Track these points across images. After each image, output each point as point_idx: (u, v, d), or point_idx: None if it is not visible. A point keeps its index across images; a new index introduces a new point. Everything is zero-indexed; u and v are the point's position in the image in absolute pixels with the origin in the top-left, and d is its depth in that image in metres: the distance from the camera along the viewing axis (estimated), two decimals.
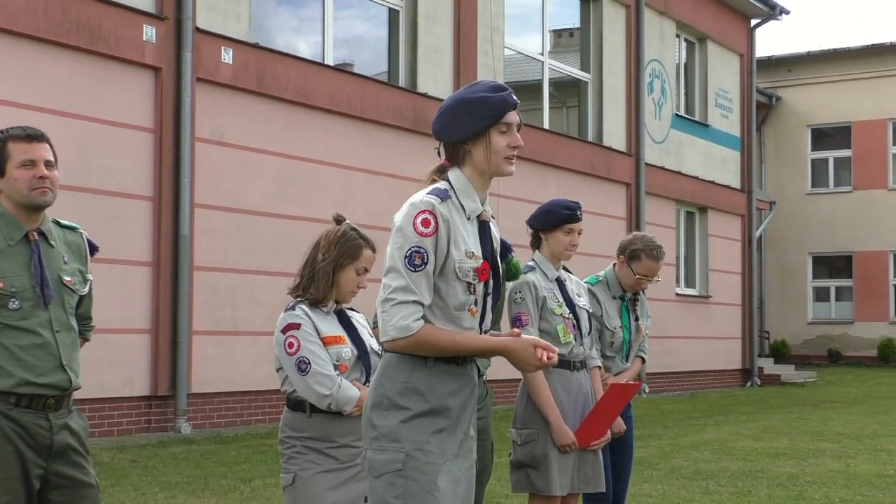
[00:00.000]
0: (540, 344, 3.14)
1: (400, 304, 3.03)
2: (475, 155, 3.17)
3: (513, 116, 3.17)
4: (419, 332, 3.04)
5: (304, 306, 3.98)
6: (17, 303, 3.58)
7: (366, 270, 4.06)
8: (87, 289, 3.83)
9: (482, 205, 3.21)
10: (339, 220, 4.11)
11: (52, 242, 3.73)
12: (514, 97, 3.19)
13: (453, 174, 3.19)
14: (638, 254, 5.26)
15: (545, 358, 3.12)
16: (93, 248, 3.91)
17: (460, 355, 3.14)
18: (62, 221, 3.85)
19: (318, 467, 3.91)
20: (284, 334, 3.93)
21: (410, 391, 3.09)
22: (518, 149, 3.20)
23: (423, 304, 3.06)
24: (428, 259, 3.06)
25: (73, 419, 3.70)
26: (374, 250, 4.07)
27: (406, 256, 3.05)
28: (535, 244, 4.97)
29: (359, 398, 3.86)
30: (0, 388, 3.53)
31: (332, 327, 4.00)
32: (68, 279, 3.73)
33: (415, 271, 3.04)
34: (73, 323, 3.74)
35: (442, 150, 3.23)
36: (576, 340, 4.82)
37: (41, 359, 3.59)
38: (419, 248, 3.05)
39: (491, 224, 3.26)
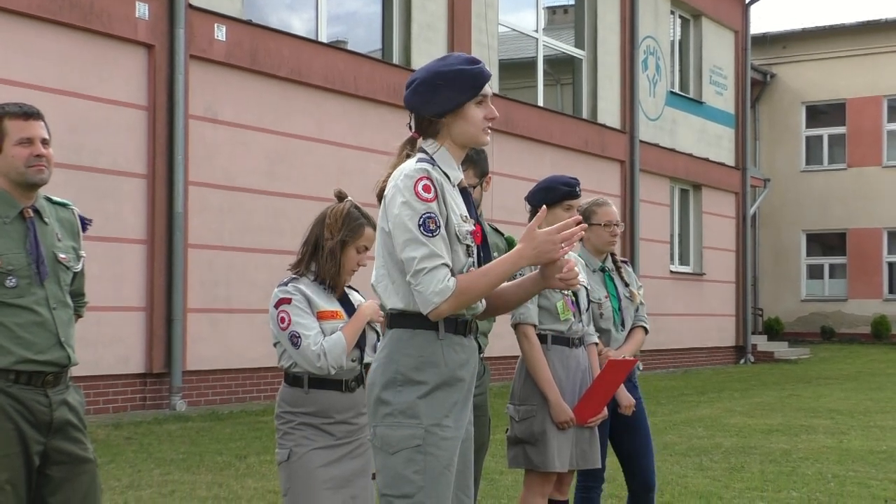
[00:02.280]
0: (552, 230, 3.11)
1: (431, 272, 3.03)
2: (453, 128, 3.19)
3: (487, 88, 3.20)
4: (457, 287, 3.04)
5: (298, 283, 3.98)
6: (13, 280, 3.57)
7: (365, 249, 4.06)
8: (80, 265, 3.83)
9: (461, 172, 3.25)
10: (340, 196, 4.10)
11: (46, 219, 3.72)
12: (487, 69, 3.21)
13: (430, 145, 3.21)
14: (590, 210, 5.24)
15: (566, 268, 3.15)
16: (84, 224, 3.90)
17: (495, 286, 3.13)
18: (54, 198, 3.83)
19: (314, 443, 3.92)
20: (277, 309, 3.95)
21: (425, 364, 3.10)
22: (494, 120, 3.22)
23: (448, 266, 3.06)
24: (439, 222, 3.07)
25: (71, 395, 3.71)
26: (374, 228, 4.07)
27: (420, 224, 3.05)
28: None
29: (347, 343, 3.88)
30: (0, 365, 3.54)
31: (329, 303, 4.00)
32: (63, 256, 3.73)
33: (433, 236, 3.05)
34: (69, 300, 3.74)
35: (413, 122, 3.24)
36: (574, 317, 4.80)
37: (39, 336, 3.59)
38: (429, 213, 3.06)
39: (470, 191, 3.31)
